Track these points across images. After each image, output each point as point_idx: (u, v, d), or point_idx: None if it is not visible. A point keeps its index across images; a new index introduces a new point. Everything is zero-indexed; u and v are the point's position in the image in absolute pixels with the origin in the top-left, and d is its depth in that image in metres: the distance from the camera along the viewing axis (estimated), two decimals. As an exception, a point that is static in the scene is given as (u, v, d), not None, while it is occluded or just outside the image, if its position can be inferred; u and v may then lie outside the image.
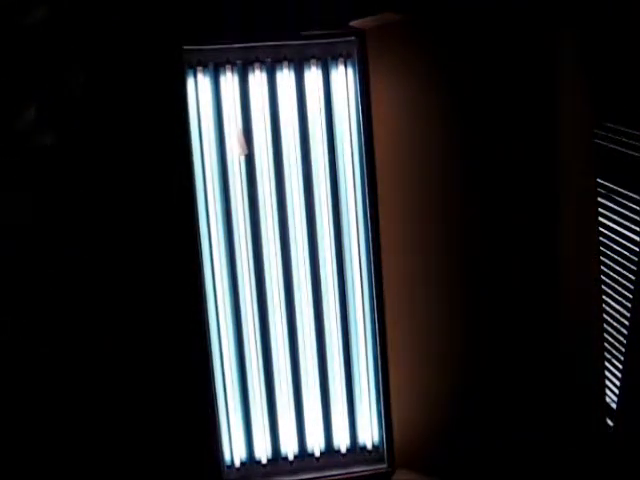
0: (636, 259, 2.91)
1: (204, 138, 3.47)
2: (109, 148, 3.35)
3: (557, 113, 3.48)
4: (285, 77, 3.48)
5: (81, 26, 3.24)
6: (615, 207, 3.07)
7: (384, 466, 3.70)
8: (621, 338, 3.09)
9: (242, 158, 3.50)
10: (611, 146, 3.04)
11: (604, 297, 3.22)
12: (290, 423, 3.67)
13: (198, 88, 3.44)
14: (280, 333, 3.61)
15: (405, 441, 3.67)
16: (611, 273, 3.13)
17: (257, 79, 3.47)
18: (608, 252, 3.15)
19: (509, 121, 3.52)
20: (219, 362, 3.59)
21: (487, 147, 3.53)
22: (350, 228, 3.59)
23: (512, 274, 3.61)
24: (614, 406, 3.20)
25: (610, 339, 3.20)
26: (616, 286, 3.10)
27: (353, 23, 3.39)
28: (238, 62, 3.45)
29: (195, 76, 3.44)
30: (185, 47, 3.36)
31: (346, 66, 3.49)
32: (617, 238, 3.07)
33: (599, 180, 3.18)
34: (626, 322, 3.03)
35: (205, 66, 3.44)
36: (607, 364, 3.24)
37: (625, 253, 3.02)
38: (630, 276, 2.97)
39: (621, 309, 3.08)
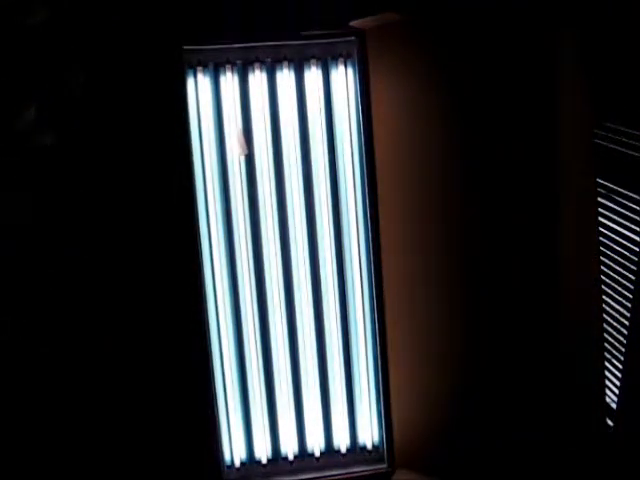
0: (636, 259, 2.91)
1: (204, 138, 3.47)
2: (109, 148, 3.35)
3: (557, 113, 3.48)
4: (285, 77, 3.48)
5: (81, 26, 3.24)
6: (615, 207, 3.07)
7: (384, 466, 3.70)
8: (621, 338, 3.09)
9: (242, 158, 3.50)
10: (611, 146, 3.04)
11: (604, 297, 3.22)
12: (290, 423, 3.67)
13: (198, 88, 3.44)
14: (280, 333, 3.61)
15: (405, 441, 3.67)
16: (611, 273, 3.13)
17: (257, 79, 3.47)
18: (608, 252, 3.15)
19: (509, 121, 3.52)
20: (219, 362, 3.60)
21: (487, 147, 3.53)
22: (350, 228, 3.59)
23: (512, 274, 3.61)
24: (614, 406, 3.20)
25: (610, 339, 3.19)
26: (616, 286, 3.10)
27: (353, 23, 3.39)
28: (238, 62, 3.46)
29: (195, 76, 3.44)
30: (185, 47, 3.36)
31: (346, 66, 3.49)
32: (617, 238, 3.07)
33: (599, 180, 3.18)
34: (626, 322, 3.03)
35: (205, 66, 3.44)
36: (607, 364, 3.24)
37: (625, 253, 3.02)
38: (630, 276, 2.97)
39: (621, 309, 3.08)
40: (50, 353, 3.41)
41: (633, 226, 2.95)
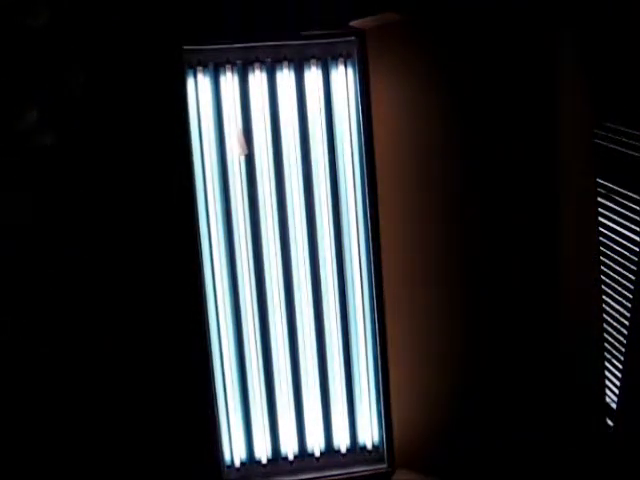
0: (636, 259, 2.91)
1: (204, 138, 3.47)
2: (109, 148, 3.35)
3: (557, 113, 3.48)
4: (285, 77, 3.48)
5: (81, 26, 3.24)
6: (615, 207, 3.07)
7: (384, 466, 3.70)
8: (621, 338, 3.09)
9: (242, 158, 3.50)
10: (611, 146, 3.04)
11: (604, 297, 3.21)
12: (290, 423, 3.67)
13: (198, 88, 3.44)
14: (280, 333, 3.61)
15: (405, 441, 3.67)
16: (611, 273, 3.13)
17: (257, 79, 3.47)
18: (608, 252, 3.14)
19: (509, 121, 3.52)
20: (219, 362, 3.60)
21: (487, 147, 3.53)
22: (350, 228, 3.59)
23: (512, 274, 3.61)
24: (614, 406, 3.20)
25: (610, 339, 3.19)
26: (616, 286, 3.09)
27: (353, 23, 3.39)
28: (238, 62, 3.46)
29: (195, 76, 3.44)
30: (185, 47, 3.36)
31: (346, 66, 3.49)
32: (617, 238, 3.07)
33: (599, 180, 3.18)
34: (626, 322, 3.03)
35: (205, 66, 3.44)
36: (607, 364, 3.23)
37: (625, 253, 3.01)
38: (630, 276, 2.97)
39: (621, 309, 3.08)
40: (50, 353, 3.41)
41: (633, 226, 2.95)
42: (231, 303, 3.58)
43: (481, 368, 3.66)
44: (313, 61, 3.48)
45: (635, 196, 2.93)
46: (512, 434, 3.66)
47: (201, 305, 3.49)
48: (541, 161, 3.55)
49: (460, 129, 3.51)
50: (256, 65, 3.46)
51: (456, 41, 3.46)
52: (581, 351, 3.46)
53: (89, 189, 3.36)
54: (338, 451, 3.72)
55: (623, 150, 2.97)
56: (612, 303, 3.17)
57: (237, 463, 3.67)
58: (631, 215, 2.97)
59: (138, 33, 3.29)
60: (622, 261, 3.05)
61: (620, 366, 3.11)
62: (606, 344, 3.24)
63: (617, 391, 3.15)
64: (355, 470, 3.70)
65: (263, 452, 3.68)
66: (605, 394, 3.28)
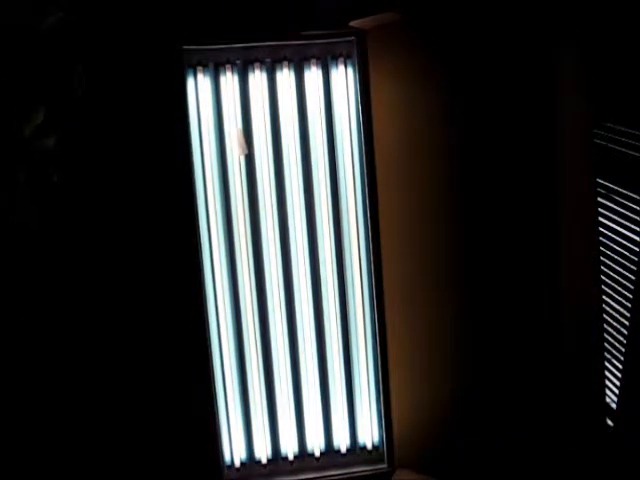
0: (636, 259, 2.91)
1: (204, 138, 3.47)
2: (109, 148, 3.35)
3: (557, 113, 3.48)
4: (285, 77, 3.48)
5: (84, 28, 3.25)
6: (615, 207, 3.07)
7: (384, 466, 3.70)
8: (621, 338, 3.09)
9: (242, 158, 3.50)
10: (611, 146, 3.04)
11: (604, 297, 3.21)
12: (290, 423, 3.67)
13: (198, 88, 3.44)
14: (280, 333, 3.62)
15: (405, 441, 3.67)
16: (611, 273, 3.13)
17: (257, 79, 3.47)
18: (608, 252, 3.14)
19: (509, 121, 3.52)
20: (219, 362, 3.60)
21: (487, 147, 3.53)
22: (350, 228, 3.59)
23: (512, 274, 3.62)
24: (614, 406, 3.20)
25: (610, 339, 3.19)
26: (616, 286, 3.09)
27: (353, 23, 3.39)
28: (238, 62, 3.46)
29: (195, 76, 3.44)
30: (185, 47, 3.36)
31: (346, 66, 3.49)
32: (617, 238, 3.07)
33: (599, 180, 3.17)
34: (626, 322, 3.03)
35: (205, 66, 3.44)
36: (607, 364, 3.23)
37: (625, 253, 3.01)
38: (630, 276, 2.97)
39: (621, 309, 3.08)
40: (50, 353, 3.41)
41: (633, 226, 2.95)
42: (231, 303, 3.58)
43: (481, 368, 3.66)
44: (313, 61, 3.48)
45: (635, 196, 2.93)
46: (512, 434, 3.66)
47: (201, 305, 3.49)
48: (541, 161, 3.55)
49: (460, 129, 3.51)
50: (256, 65, 3.46)
51: (456, 41, 3.46)
52: (581, 351, 3.46)
53: (89, 189, 3.36)
54: (338, 451, 3.72)
55: (623, 150, 2.96)
56: (612, 303, 3.17)
57: (237, 463, 3.67)
58: (631, 215, 2.97)
59: (138, 33, 3.29)
60: (622, 261, 3.05)
61: (620, 366, 3.11)
62: (606, 344, 3.24)
63: (617, 391, 3.15)
64: (355, 470, 3.70)
65: (263, 452, 3.68)
66: (605, 394, 3.27)
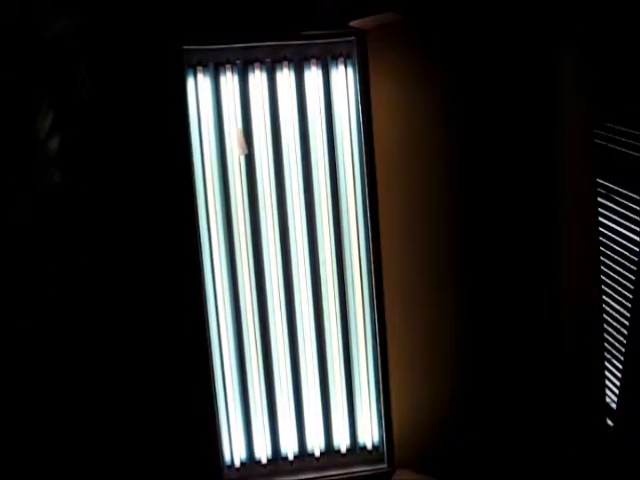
0: (636, 259, 2.91)
1: (204, 138, 3.47)
2: (109, 148, 3.35)
3: (557, 113, 3.48)
4: (285, 77, 3.48)
5: (89, 31, 3.25)
6: (615, 207, 3.07)
7: (384, 466, 3.70)
8: (621, 338, 3.09)
9: (242, 158, 3.50)
10: (611, 146, 3.04)
11: (604, 297, 3.21)
12: (290, 423, 3.67)
13: (198, 88, 3.44)
14: (280, 333, 3.62)
15: (405, 441, 3.67)
16: (611, 273, 3.13)
17: (257, 79, 3.47)
18: (608, 252, 3.14)
19: (509, 121, 3.52)
20: (219, 362, 3.60)
21: (487, 147, 3.53)
22: (350, 228, 3.59)
23: (512, 274, 3.61)
24: (614, 406, 3.20)
25: (610, 339, 3.19)
26: (616, 286, 3.09)
27: (353, 23, 3.39)
28: (238, 62, 3.46)
29: (195, 76, 3.44)
30: (185, 47, 3.36)
31: (346, 66, 3.49)
32: (617, 238, 3.06)
33: (599, 180, 3.17)
34: (626, 322, 3.03)
35: (205, 66, 3.44)
36: (607, 364, 3.23)
37: (625, 253, 3.01)
38: (630, 276, 2.97)
39: (621, 309, 3.08)
40: (51, 353, 3.41)
41: (633, 226, 2.95)
42: (231, 303, 3.58)
43: (481, 368, 3.66)
44: (313, 61, 3.48)
45: (635, 196, 2.93)
46: (512, 434, 3.66)
47: (201, 305, 3.49)
48: (541, 161, 3.55)
49: (460, 129, 3.51)
50: (256, 65, 3.46)
51: (456, 41, 3.46)
52: (581, 351, 3.46)
53: (89, 189, 3.36)
54: (338, 451, 3.72)
55: (623, 150, 2.96)
56: (612, 303, 3.16)
57: (237, 463, 3.67)
58: (631, 215, 2.97)
59: (138, 33, 3.29)
60: (622, 261, 3.05)
61: (620, 366, 3.11)
62: (606, 344, 3.24)
63: (617, 391, 3.15)
64: (355, 470, 3.70)
65: (263, 452, 3.68)
66: (605, 394, 3.27)
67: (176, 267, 3.45)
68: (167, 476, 3.56)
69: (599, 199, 3.21)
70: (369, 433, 3.72)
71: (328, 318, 3.63)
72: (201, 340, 3.50)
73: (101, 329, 3.44)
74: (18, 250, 3.34)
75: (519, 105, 3.51)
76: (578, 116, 3.32)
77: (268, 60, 3.47)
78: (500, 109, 3.51)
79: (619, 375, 3.13)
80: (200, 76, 3.44)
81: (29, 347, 3.39)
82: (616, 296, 3.12)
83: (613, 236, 3.11)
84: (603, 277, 3.22)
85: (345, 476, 3.69)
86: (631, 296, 2.97)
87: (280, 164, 3.53)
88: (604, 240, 3.19)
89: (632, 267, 2.97)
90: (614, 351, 3.18)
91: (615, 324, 3.15)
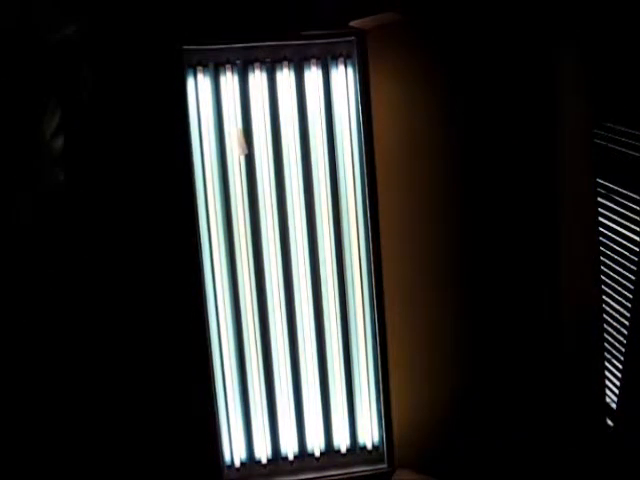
0: (636, 259, 2.91)
1: (204, 138, 3.47)
2: (109, 148, 3.35)
3: (557, 113, 3.48)
4: (285, 77, 3.48)
5: (89, 32, 3.26)
6: (615, 207, 3.07)
7: (384, 466, 3.70)
8: (621, 338, 3.09)
9: (242, 158, 3.50)
10: (611, 146, 3.04)
11: (604, 297, 3.21)
12: (290, 423, 3.67)
13: (198, 88, 3.44)
14: (280, 333, 3.62)
15: (405, 441, 3.67)
16: (611, 273, 3.13)
17: (257, 79, 3.47)
18: (608, 252, 3.14)
19: (509, 121, 3.52)
20: (219, 362, 3.60)
21: (487, 147, 3.53)
22: (350, 228, 3.59)
23: (512, 274, 3.61)
24: (614, 406, 3.20)
25: (610, 339, 3.19)
26: (616, 286, 3.09)
27: (353, 23, 3.39)
28: (238, 62, 3.46)
29: (195, 76, 3.44)
30: (185, 47, 3.36)
31: (346, 66, 3.50)
32: (617, 238, 3.06)
33: (599, 180, 3.17)
34: (626, 322, 3.03)
35: (205, 66, 3.44)
36: (607, 364, 3.23)
37: (625, 253, 3.01)
38: (630, 276, 2.97)
39: (621, 309, 3.08)
40: (50, 353, 3.40)
41: (633, 226, 2.95)
42: (231, 303, 3.58)
43: (481, 368, 3.66)
44: (313, 61, 3.48)
45: (635, 196, 2.93)
46: (512, 434, 3.66)
47: (201, 305, 3.49)
48: (541, 161, 3.55)
49: (460, 129, 3.51)
50: (256, 65, 3.46)
51: (456, 41, 3.46)
52: (581, 351, 3.46)
53: (90, 188, 3.36)
54: (338, 451, 3.72)
55: (623, 150, 2.96)
56: (612, 303, 3.16)
57: (237, 463, 3.67)
58: (631, 215, 2.97)
59: (138, 33, 3.29)
60: (622, 261, 3.05)
61: (620, 366, 3.11)
62: (606, 344, 3.24)
63: (617, 391, 3.15)
64: (355, 470, 3.70)
65: (263, 452, 3.68)
66: (605, 394, 3.27)
67: (176, 267, 3.44)
68: (167, 476, 3.56)
69: (599, 199, 3.21)
70: (369, 433, 3.72)
71: (328, 318, 3.63)
72: (201, 340, 3.50)
73: (101, 329, 3.44)
74: (18, 250, 3.34)
75: (519, 105, 3.51)
76: (578, 116, 3.32)
77: (268, 60, 3.47)
78: (500, 109, 3.51)
79: (619, 375, 3.13)
80: (200, 76, 3.44)
81: (29, 348, 3.39)
82: (616, 296, 3.12)
83: (613, 236, 3.11)
84: (603, 277, 3.22)
85: (345, 476, 3.69)
86: (631, 296, 2.97)
87: (280, 164, 3.53)
88: (604, 240, 3.19)
89: (632, 267, 2.97)
90: (614, 351, 3.18)
91: (615, 324, 3.15)
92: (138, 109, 3.33)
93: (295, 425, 3.68)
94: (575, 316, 3.51)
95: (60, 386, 3.43)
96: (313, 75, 3.49)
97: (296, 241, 3.57)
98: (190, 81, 3.44)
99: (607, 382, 3.26)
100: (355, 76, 3.49)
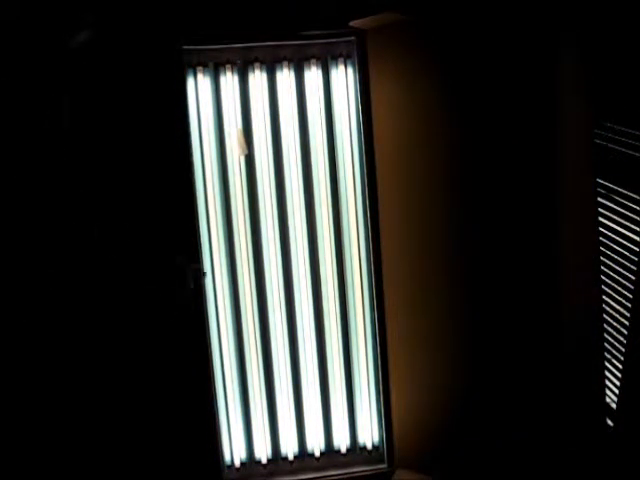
0: (636, 259, 2.91)
1: (204, 138, 3.47)
2: (110, 148, 3.35)
3: (557, 113, 3.48)
4: (285, 77, 3.48)
5: (89, 32, 3.27)
6: (615, 207, 3.06)
7: (384, 466, 3.70)
8: (621, 338, 3.09)
9: (242, 158, 3.50)
10: (611, 146, 3.04)
11: (604, 297, 3.21)
12: (290, 423, 3.67)
13: (198, 88, 3.44)
14: (280, 333, 3.62)
15: (405, 441, 3.66)
16: (611, 273, 3.13)
17: (257, 79, 3.47)
18: (608, 252, 3.14)
19: (509, 121, 3.52)
20: (219, 362, 3.60)
21: (487, 147, 3.53)
22: (350, 228, 3.59)
23: (512, 274, 3.61)
24: (614, 406, 3.20)
25: (610, 339, 3.19)
26: (616, 286, 3.09)
27: (353, 23, 3.39)
28: (238, 62, 3.46)
29: (195, 76, 3.44)
30: (185, 47, 3.36)
31: (346, 66, 3.50)
32: (617, 238, 3.06)
33: (599, 180, 3.17)
34: (626, 322, 3.03)
35: (205, 66, 3.44)
36: (607, 364, 3.23)
37: (625, 253, 3.01)
38: (630, 276, 2.97)
39: (621, 309, 3.08)
40: (50, 353, 3.40)
41: (633, 226, 2.94)
42: (231, 303, 3.58)
43: (481, 368, 3.66)
44: (313, 61, 3.48)
45: (635, 196, 2.93)
46: (512, 434, 3.66)
47: (201, 305, 3.49)
48: (541, 161, 3.55)
49: (460, 129, 3.51)
50: (256, 65, 3.46)
51: (456, 41, 3.46)
52: (581, 351, 3.46)
53: (89, 189, 3.36)
54: (338, 451, 3.72)
55: (623, 150, 2.96)
56: (612, 303, 3.16)
57: (237, 463, 3.67)
58: (631, 215, 2.97)
59: (138, 33, 3.29)
60: (622, 261, 3.05)
61: (620, 366, 3.11)
62: (606, 344, 3.24)
63: (617, 391, 3.15)
64: (355, 470, 3.70)
65: (263, 452, 3.68)
66: (605, 394, 3.27)
67: (176, 267, 3.44)
68: (167, 476, 3.56)
69: (599, 199, 3.20)
70: (369, 433, 3.72)
71: (328, 318, 3.63)
72: (201, 340, 3.50)
73: (101, 329, 3.43)
74: (19, 250, 3.34)
75: (519, 105, 3.51)
76: (578, 116, 3.32)
77: (268, 60, 3.47)
78: (500, 109, 3.51)
79: (619, 375, 3.13)
80: (200, 76, 3.44)
81: (30, 349, 3.39)
82: (616, 296, 3.12)
83: (613, 236, 3.11)
84: (603, 277, 3.22)
85: (345, 476, 3.69)
86: (631, 296, 2.97)
87: (280, 164, 3.53)
88: (604, 240, 3.19)
89: (632, 267, 2.97)
90: (614, 351, 3.18)
91: (615, 324, 3.15)
92: (138, 109, 3.33)
93: (295, 425, 3.68)
94: (575, 316, 3.51)
95: (61, 386, 3.43)
96: (313, 75, 3.49)
97: (296, 241, 3.57)
98: (190, 81, 3.44)
99: (607, 382, 3.26)
100: (355, 76, 3.49)
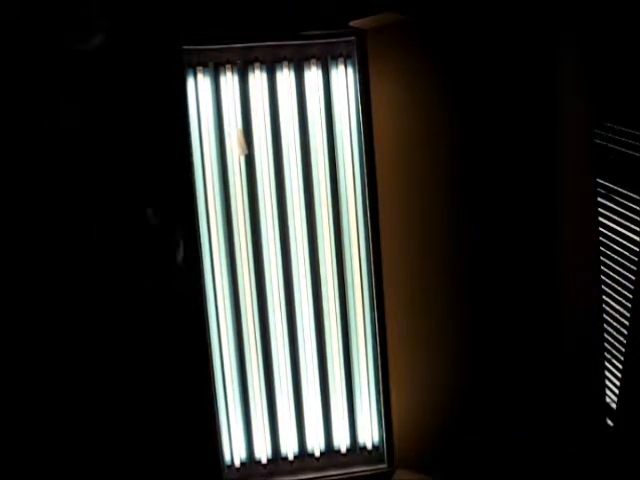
0: (636, 259, 2.91)
1: (204, 138, 3.47)
2: (109, 148, 3.35)
3: (557, 113, 3.48)
4: (285, 77, 3.48)
5: (89, 33, 3.27)
6: (615, 207, 3.07)
7: (384, 466, 3.70)
8: (621, 338, 3.09)
9: (242, 158, 3.50)
10: (611, 146, 3.04)
11: (604, 297, 3.21)
12: (290, 423, 3.67)
13: (198, 88, 3.44)
14: (280, 333, 3.61)
15: (405, 441, 3.66)
16: (611, 273, 3.13)
17: (257, 79, 3.47)
18: (608, 252, 3.14)
19: (509, 121, 3.52)
20: (219, 362, 3.60)
21: (487, 147, 3.53)
22: (350, 228, 3.59)
23: (512, 274, 3.61)
24: (614, 406, 3.20)
25: (610, 339, 3.19)
26: (616, 286, 3.09)
27: (353, 23, 3.39)
28: (238, 62, 3.46)
29: (195, 76, 3.44)
30: (185, 47, 3.36)
31: (346, 66, 3.49)
32: (617, 238, 3.07)
33: (599, 180, 3.17)
34: (626, 322, 3.03)
35: (205, 66, 3.44)
36: (607, 364, 3.23)
37: (625, 253, 3.01)
38: (630, 276, 2.97)
39: (621, 309, 3.08)
40: (50, 353, 3.40)
41: (633, 226, 2.95)
42: (231, 303, 3.58)
43: (481, 368, 3.66)
44: (313, 61, 3.48)
45: (635, 196, 2.93)
46: (512, 434, 3.66)
47: (201, 304, 3.49)
48: (541, 161, 3.55)
49: (460, 129, 3.51)
50: (256, 65, 3.46)
51: (456, 41, 3.46)
52: (581, 351, 3.46)
53: (90, 189, 3.36)
54: (338, 451, 3.72)
55: (623, 150, 2.96)
56: (612, 303, 3.16)
57: (237, 463, 3.67)
58: (631, 215, 2.97)
59: (138, 33, 3.29)
60: (622, 261, 3.05)
61: (620, 366, 3.11)
62: (606, 344, 3.24)
63: (617, 391, 3.15)
64: (355, 470, 3.70)
65: (263, 452, 3.68)
66: (605, 394, 3.27)
67: (176, 267, 3.44)
68: (167, 476, 3.56)
69: (599, 199, 3.21)
70: (369, 433, 3.72)
71: (328, 318, 3.63)
72: (201, 340, 3.50)
73: (101, 329, 3.43)
74: (18, 250, 3.34)
75: (519, 105, 3.51)
76: (578, 116, 3.32)
77: (268, 60, 3.46)
78: (500, 109, 3.51)
79: (619, 375, 3.13)
80: (200, 76, 3.44)
81: (30, 349, 3.39)
82: (616, 296, 3.12)
83: (613, 236, 3.12)
84: (603, 277, 3.22)
85: (345, 476, 3.69)
86: (631, 296, 2.97)
87: (280, 164, 3.53)
88: (604, 240, 3.19)
89: (632, 267, 2.97)
90: (614, 351, 3.18)
91: (615, 324, 3.15)
92: (138, 109, 3.33)
93: (295, 425, 3.68)
94: (575, 316, 3.51)
95: (60, 386, 3.43)
96: (313, 75, 3.49)
97: (296, 241, 3.57)
98: (190, 81, 3.44)
99: (607, 382, 3.26)
100: (355, 76, 3.49)
